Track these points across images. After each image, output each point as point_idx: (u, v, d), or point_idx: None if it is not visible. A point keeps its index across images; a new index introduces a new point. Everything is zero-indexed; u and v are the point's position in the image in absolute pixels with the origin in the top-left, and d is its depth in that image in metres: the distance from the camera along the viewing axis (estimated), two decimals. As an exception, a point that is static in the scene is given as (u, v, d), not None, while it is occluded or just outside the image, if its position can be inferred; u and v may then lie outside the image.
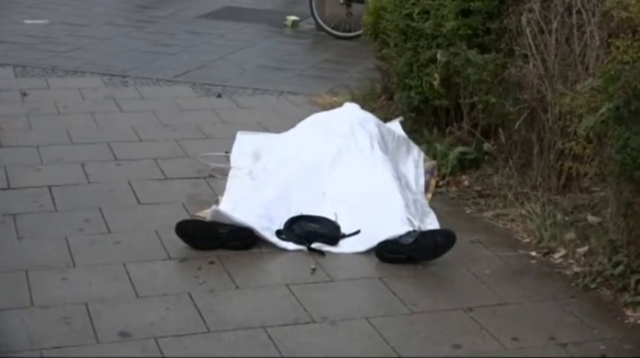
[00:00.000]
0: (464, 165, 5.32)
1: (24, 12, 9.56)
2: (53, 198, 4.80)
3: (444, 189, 5.19)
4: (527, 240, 4.56)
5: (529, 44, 4.96)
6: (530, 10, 5.02)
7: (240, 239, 4.32)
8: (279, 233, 4.43)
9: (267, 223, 4.44)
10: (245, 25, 9.53)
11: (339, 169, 4.81)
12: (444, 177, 5.26)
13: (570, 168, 4.67)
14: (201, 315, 3.72)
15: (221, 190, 4.96)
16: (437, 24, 5.49)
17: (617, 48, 4.15)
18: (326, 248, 4.37)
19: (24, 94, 6.59)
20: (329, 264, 4.25)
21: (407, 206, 4.56)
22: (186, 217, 4.54)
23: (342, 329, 3.70)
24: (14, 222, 4.49)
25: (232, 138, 5.58)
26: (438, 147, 5.41)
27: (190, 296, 3.86)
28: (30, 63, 7.47)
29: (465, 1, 5.32)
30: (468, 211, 4.93)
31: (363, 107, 5.64)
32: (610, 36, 4.57)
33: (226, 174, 5.16)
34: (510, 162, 5.13)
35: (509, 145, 5.22)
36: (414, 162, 5.23)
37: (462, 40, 5.33)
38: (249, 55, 8.33)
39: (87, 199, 4.81)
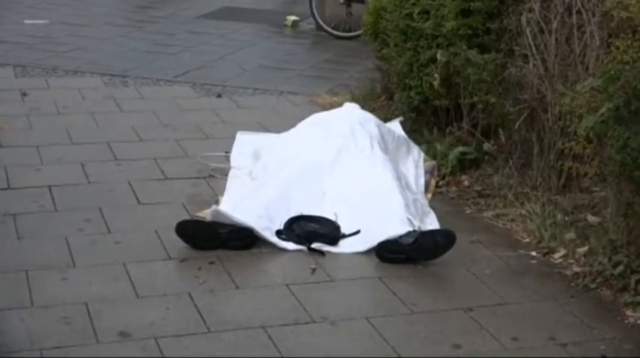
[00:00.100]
0: (464, 165, 5.32)
1: (24, 12, 9.57)
2: (53, 198, 4.80)
3: (444, 189, 5.19)
4: (527, 240, 4.56)
5: (529, 44, 4.96)
6: (530, 10, 5.02)
7: (240, 239, 4.32)
8: (279, 233, 4.43)
9: (267, 223, 4.44)
10: (245, 25, 9.54)
11: (339, 169, 4.81)
12: (444, 177, 5.26)
13: (570, 168, 4.67)
14: (201, 315, 3.72)
15: (221, 190, 4.96)
16: (437, 24, 5.49)
17: (617, 48, 4.15)
18: (326, 248, 4.37)
19: (24, 94, 6.59)
20: (329, 264, 4.25)
21: (407, 206, 4.56)
22: (187, 217, 4.54)
23: (342, 329, 3.70)
24: (14, 222, 4.49)
25: (232, 138, 5.58)
26: (438, 147, 5.41)
27: (190, 296, 3.87)
28: (30, 63, 7.47)
29: (464, 1, 5.32)
30: (467, 211, 4.93)
31: (363, 107, 5.65)
32: (610, 36, 4.57)
33: (226, 174, 5.16)
34: (510, 162, 5.13)
35: (509, 145, 5.22)
36: (414, 162, 5.24)
37: (461, 40, 5.33)
38: (249, 55, 8.33)
39: (87, 199, 4.81)
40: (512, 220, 4.74)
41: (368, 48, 6.80)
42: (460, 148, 5.36)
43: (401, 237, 4.27)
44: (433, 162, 5.32)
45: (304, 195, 4.65)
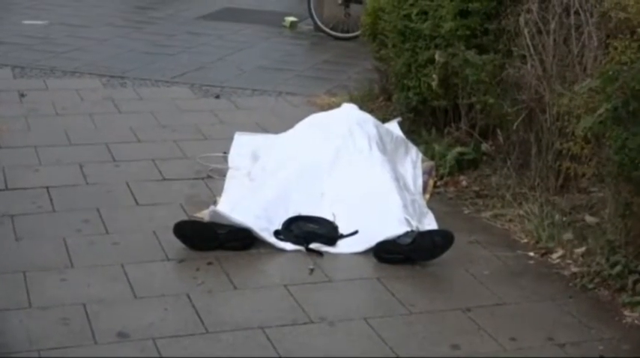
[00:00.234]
0: (462, 165, 5.33)
1: (23, 13, 9.57)
2: (51, 199, 4.80)
3: (442, 189, 5.20)
4: (525, 240, 4.56)
5: (527, 45, 4.96)
6: (529, 11, 5.02)
7: (239, 239, 4.32)
8: (277, 233, 4.43)
9: (265, 224, 4.45)
10: (244, 26, 9.54)
11: (338, 170, 4.81)
12: (442, 178, 5.27)
13: (568, 168, 4.67)
14: (199, 316, 3.72)
15: (219, 191, 4.96)
16: (435, 25, 5.49)
17: (615, 49, 4.16)
18: (324, 248, 4.37)
19: (22, 95, 6.59)
20: (327, 264, 4.26)
21: (405, 206, 4.57)
22: (185, 218, 4.54)
23: (341, 329, 3.70)
24: (12, 222, 4.49)
25: (231, 139, 5.58)
26: (436, 147, 5.41)
27: (189, 297, 3.86)
28: (28, 64, 7.47)
29: (463, 2, 5.32)
30: (466, 211, 4.93)
31: (361, 108, 5.65)
32: (608, 36, 4.57)
33: (224, 175, 5.16)
34: (508, 162, 5.13)
35: (507, 146, 5.22)
36: (412, 163, 5.24)
37: (460, 40, 5.33)
38: (248, 55, 8.33)
39: (85, 200, 4.81)
40: (511, 220, 4.74)
41: (366, 49, 6.81)
42: (458, 149, 5.37)
43: (399, 237, 4.27)
44: (431, 163, 5.32)
45: (302, 196, 4.65)
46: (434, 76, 5.47)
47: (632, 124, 3.89)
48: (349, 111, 5.38)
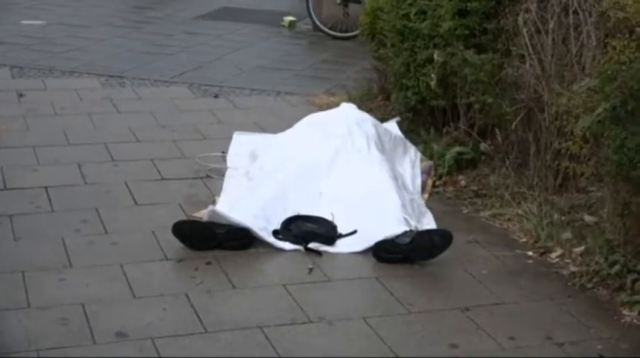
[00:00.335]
0: (461, 165, 5.33)
1: (22, 13, 9.56)
2: (50, 199, 4.80)
3: (440, 189, 5.20)
4: (524, 239, 4.56)
5: (526, 44, 4.96)
6: (527, 11, 5.02)
7: (237, 239, 4.32)
8: (276, 233, 4.43)
9: (264, 223, 4.45)
10: (242, 26, 9.54)
11: (336, 169, 4.81)
12: (440, 177, 5.27)
13: (567, 168, 4.67)
14: (198, 316, 3.72)
15: (218, 190, 4.96)
16: (434, 24, 5.49)
17: (614, 48, 4.16)
18: (323, 248, 4.37)
19: (21, 95, 6.59)
20: (326, 264, 4.26)
21: (404, 206, 4.57)
22: (183, 218, 4.54)
23: (339, 329, 3.70)
24: (11, 222, 4.49)
25: (229, 139, 5.58)
26: (435, 147, 5.41)
27: (187, 297, 3.86)
28: (27, 64, 7.47)
29: (461, 2, 5.32)
30: (464, 211, 4.93)
31: (360, 107, 5.65)
32: (606, 36, 4.57)
33: (223, 175, 5.16)
34: (507, 162, 5.13)
35: (505, 145, 5.22)
36: (411, 162, 5.24)
37: (458, 40, 5.33)
38: (247, 55, 8.33)
39: (84, 200, 4.81)
40: (509, 220, 4.74)
41: (365, 48, 6.80)
42: (457, 148, 5.36)
43: (398, 236, 4.27)
44: (430, 162, 5.32)
45: (301, 196, 4.65)
46: (432, 75, 5.47)
47: (631, 124, 3.89)
48: (348, 110, 5.38)
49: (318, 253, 4.33)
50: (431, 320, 3.81)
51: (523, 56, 5.00)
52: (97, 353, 3.44)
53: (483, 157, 5.37)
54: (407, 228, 4.33)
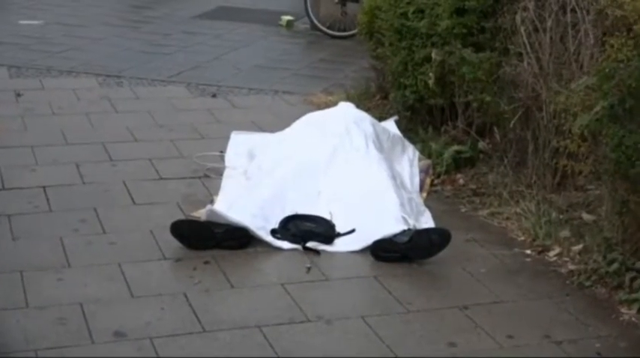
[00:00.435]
0: (459, 163, 5.33)
1: (19, 13, 9.54)
2: (48, 199, 4.80)
3: (439, 187, 5.20)
4: (522, 238, 4.56)
5: (524, 43, 4.96)
6: (525, 9, 5.02)
7: (236, 238, 4.32)
8: (274, 232, 4.43)
9: (262, 222, 4.44)
10: (240, 25, 9.53)
11: (335, 168, 4.81)
12: (439, 176, 5.27)
13: (565, 166, 4.67)
14: (196, 315, 3.72)
15: (216, 190, 4.96)
16: (432, 23, 5.49)
17: (612, 46, 4.16)
18: (321, 247, 4.37)
19: (18, 95, 6.58)
20: (324, 263, 4.25)
21: (402, 205, 4.57)
22: (181, 217, 4.54)
23: (338, 328, 3.70)
24: (9, 222, 4.49)
25: (227, 138, 5.57)
26: (433, 145, 5.41)
27: (185, 296, 3.86)
28: (25, 63, 7.46)
29: (459, 0, 5.32)
30: (463, 210, 4.93)
31: (358, 106, 5.64)
32: (604, 34, 4.57)
33: (221, 174, 5.16)
34: (505, 160, 5.13)
35: (504, 144, 5.22)
36: (409, 161, 5.24)
37: (456, 38, 5.33)
38: (244, 54, 8.32)
39: (82, 200, 4.81)
40: (507, 218, 4.74)
41: (363, 47, 6.81)
42: (455, 147, 5.36)
43: (396, 235, 4.28)
44: (428, 161, 5.32)
45: (299, 195, 4.65)
46: (430, 74, 5.47)
47: (629, 122, 3.90)
48: (346, 109, 5.37)
49: (317, 252, 4.33)
50: (429, 319, 3.81)
51: (521, 54, 5.00)
52: (95, 352, 3.44)
53: (481, 156, 5.37)
54: (405, 227, 4.33)
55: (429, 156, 5.36)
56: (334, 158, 4.86)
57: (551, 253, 4.38)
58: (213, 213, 4.35)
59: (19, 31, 8.74)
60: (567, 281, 4.15)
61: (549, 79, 4.79)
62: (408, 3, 5.65)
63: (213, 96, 6.85)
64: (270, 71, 7.74)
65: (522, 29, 4.96)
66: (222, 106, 6.62)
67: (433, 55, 5.43)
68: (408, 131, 5.68)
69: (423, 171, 5.23)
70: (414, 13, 5.61)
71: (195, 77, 7.34)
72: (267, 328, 3.64)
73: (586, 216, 4.56)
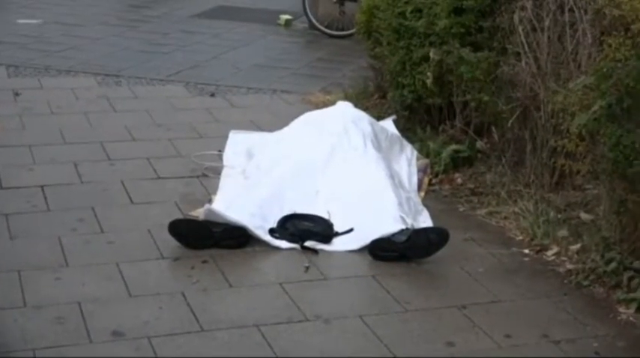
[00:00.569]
0: (457, 163, 5.33)
1: (18, 12, 9.54)
2: (46, 198, 4.80)
3: (437, 187, 5.20)
4: (520, 237, 4.57)
5: (521, 42, 4.96)
6: (523, 8, 5.02)
7: (234, 238, 4.32)
8: (272, 231, 4.43)
9: (260, 222, 4.44)
10: (238, 25, 9.53)
11: (333, 168, 4.81)
12: (437, 175, 5.27)
13: (563, 165, 4.67)
14: (194, 314, 3.72)
15: (214, 189, 4.96)
16: (430, 22, 5.49)
17: (610, 46, 4.16)
18: (319, 246, 4.37)
19: (17, 94, 6.58)
20: (322, 262, 4.26)
21: (400, 204, 4.57)
22: (180, 216, 4.54)
23: (336, 327, 3.70)
24: (7, 222, 4.48)
25: (226, 137, 5.58)
26: (431, 145, 5.42)
27: (184, 296, 3.86)
28: (23, 63, 7.46)
29: (457, 0, 5.32)
30: (461, 209, 4.93)
31: (356, 105, 5.63)
32: (602, 34, 4.57)
33: (219, 173, 5.16)
34: (503, 160, 5.13)
35: (502, 143, 5.23)
36: (407, 161, 5.24)
37: (454, 38, 5.33)
38: (243, 54, 8.32)
39: (80, 199, 4.81)
40: (506, 218, 4.74)
41: (361, 46, 6.81)
42: (453, 146, 5.37)
43: (394, 235, 4.28)
44: (426, 161, 5.32)
45: (297, 194, 4.65)
46: (428, 73, 5.47)
47: (627, 121, 3.90)
48: (344, 109, 5.38)
49: (315, 251, 4.33)
50: (427, 318, 3.81)
51: (519, 54, 5.01)
52: (93, 352, 3.44)
53: (479, 155, 5.38)
54: (403, 226, 4.33)
55: (427, 156, 5.36)
56: (332, 157, 4.86)
57: (549, 252, 4.39)
58: (211, 212, 4.35)
59: (18, 30, 8.73)
60: (565, 281, 4.15)
61: (547, 78, 4.80)
62: (406, 2, 5.66)
63: (212, 95, 6.85)
64: (269, 70, 7.74)
65: (520, 29, 4.97)
66: (220, 105, 6.62)
67: (431, 55, 5.43)
68: (406, 130, 5.68)
69: (421, 171, 5.23)
70: (412, 12, 5.62)
71: (194, 76, 7.34)
72: (265, 327, 3.64)
73: (584, 216, 4.56)
